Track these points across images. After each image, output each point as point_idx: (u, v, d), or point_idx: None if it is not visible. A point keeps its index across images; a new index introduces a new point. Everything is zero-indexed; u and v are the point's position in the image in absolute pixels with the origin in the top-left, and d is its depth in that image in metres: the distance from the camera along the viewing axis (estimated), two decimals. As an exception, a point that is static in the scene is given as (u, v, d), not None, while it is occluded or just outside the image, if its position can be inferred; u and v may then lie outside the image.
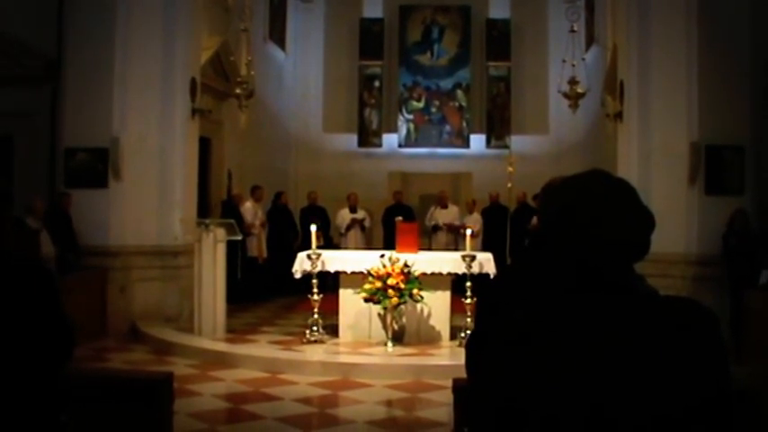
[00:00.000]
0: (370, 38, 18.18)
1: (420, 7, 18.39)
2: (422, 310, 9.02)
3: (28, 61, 10.28)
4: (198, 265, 9.20)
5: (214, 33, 12.72)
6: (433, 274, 8.89)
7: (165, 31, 10.05)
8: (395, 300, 8.38)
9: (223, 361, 8.27)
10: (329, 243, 13.58)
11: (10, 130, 10.46)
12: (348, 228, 14.07)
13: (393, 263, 8.54)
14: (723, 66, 9.11)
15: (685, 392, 1.47)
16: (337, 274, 9.25)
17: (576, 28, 13.67)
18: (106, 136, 9.86)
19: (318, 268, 8.99)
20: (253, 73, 12.38)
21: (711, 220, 8.94)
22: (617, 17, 10.81)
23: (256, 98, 13.10)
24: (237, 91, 12.31)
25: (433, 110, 18.29)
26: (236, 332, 9.60)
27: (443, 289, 9.09)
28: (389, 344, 8.59)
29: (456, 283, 9.35)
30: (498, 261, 9.45)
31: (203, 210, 11.80)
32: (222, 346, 8.76)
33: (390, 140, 18.21)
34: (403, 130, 18.27)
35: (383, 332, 8.78)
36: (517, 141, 17.20)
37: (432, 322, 9.08)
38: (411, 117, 18.31)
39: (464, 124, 18.22)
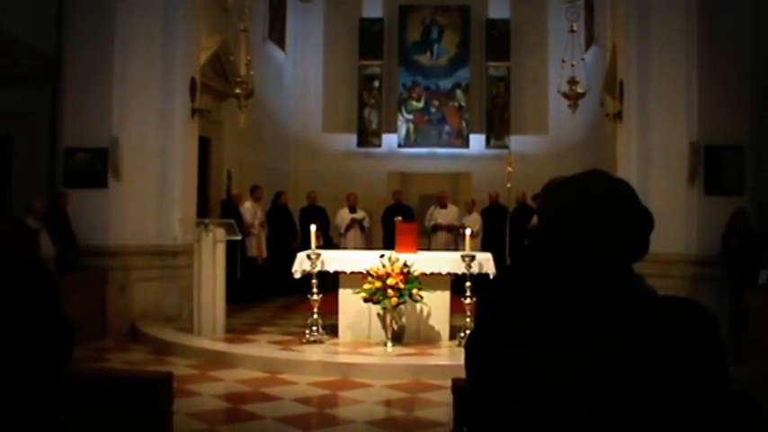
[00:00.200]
0: (369, 38, 18.19)
1: (420, 7, 18.40)
2: (421, 310, 9.02)
3: (28, 61, 10.28)
4: (197, 265, 9.20)
5: (213, 33, 12.71)
6: (432, 274, 8.89)
7: (165, 31, 10.05)
8: (394, 300, 8.38)
9: (222, 361, 8.27)
10: (329, 243, 13.58)
11: (10, 129, 10.46)
12: (347, 228, 14.07)
13: (392, 263, 8.54)
14: (722, 66, 9.11)
15: (685, 392, 1.47)
16: (337, 274, 9.25)
17: (575, 28, 13.68)
18: (106, 136, 9.85)
19: (318, 268, 8.99)
20: (252, 73, 12.39)
21: (711, 221, 8.94)
22: (616, 17, 10.81)
23: (256, 98, 13.10)
24: (237, 91, 12.31)
25: (433, 110, 18.29)
26: (235, 332, 9.60)
27: (443, 289, 9.09)
28: (389, 344, 8.59)
29: (455, 283, 9.35)
30: (498, 261, 9.45)
31: (203, 210, 11.80)
32: (222, 346, 8.76)
33: (390, 140, 18.21)
34: (402, 130, 18.27)
35: (383, 332, 8.78)
36: (516, 141, 17.21)
37: (431, 322, 9.08)
38: (410, 117, 18.31)
39: (463, 124, 18.23)
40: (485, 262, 9.00)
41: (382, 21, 18.33)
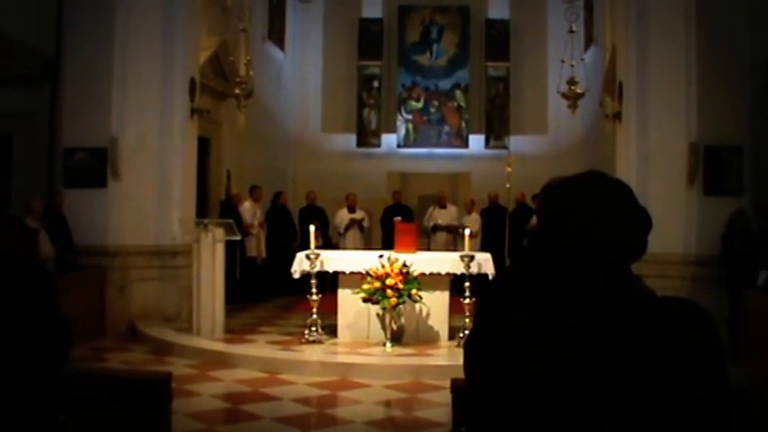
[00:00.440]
0: (369, 38, 18.19)
1: (419, 7, 18.40)
2: (420, 311, 9.02)
3: (27, 61, 10.28)
4: (196, 265, 9.20)
5: (213, 33, 12.71)
6: (431, 274, 8.89)
7: (164, 31, 10.05)
8: (393, 300, 8.38)
9: (222, 361, 8.26)
10: (328, 243, 13.59)
11: (9, 129, 10.46)
12: (347, 228, 14.07)
13: (392, 263, 8.54)
14: (722, 66, 9.12)
15: (683, 393, 1.47)
16: (336, 274, 9.25)
17: (574, 28, 13.69)
18: (105, 136, 9.85)
19: (317, 268, 8.99)
20: (252, 73, 12.39)
21: (710, 221, 8.94)
22: (616, 18, 10.81)
23: (255, 98, 13.10)
24: (236, 91, 12.31)
25: (432, 110, 18.29)
26: (234, 332, 9.60)
27: (442, 289, 9.09)
28: (388, 344, 8.59)
29: (455, 284, 9.35)
30: (497, 261, 9.44)
31: (202, 210, 11.79)
32: (221, 346, 8.76)
33: (389, 141, 18.21)
34: (402, 131, 18.27)
35: (382, 332, 8.78)
36: (516, 142, 17.21)
37: (430, 322, 9.08)
38: (410, 117, 18.32)
39: (463, 124, 18.23)
40: (484, 262, 9.00)
41: (382, 21, 18.34)
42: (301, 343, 8.91)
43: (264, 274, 12.88)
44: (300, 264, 9.10)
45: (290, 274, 9.22)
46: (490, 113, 18.12)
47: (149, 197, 10.06)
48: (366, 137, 18.17)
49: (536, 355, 1.50)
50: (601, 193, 1.59)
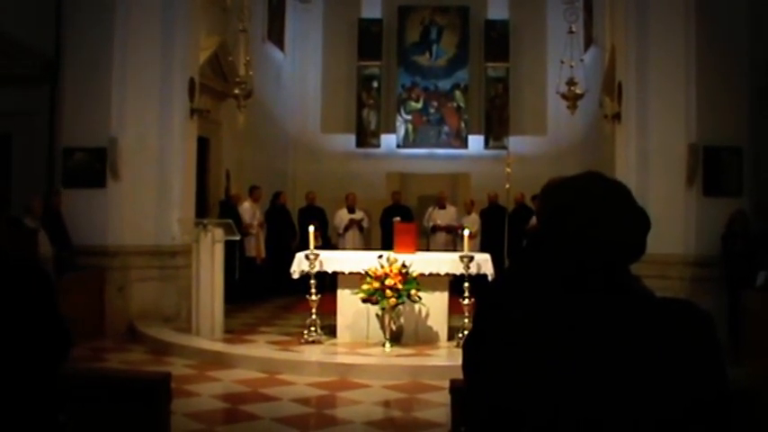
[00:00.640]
0: (368, 38, 18.20)
1: (419, 8, 18.41)
2: (420, 311, 9.02)
3: (26, 61, 10.28)
4: (196, 266, 9.20)
5: (212, 33, 12.71)
6: (431, 274, 8.89)
7: (164, 31, 10.05)
8: (393, 300, 8.38)
9: (221, 361, 8.26)
10: (327, 243, 13.58)
11: (8, 129, 10.45)
12: (346, 228, 14.07)
13: (391, 263, 8.54)
14: (721, 67, 9.12)
15: (682, 393, 1.47)
16: (335, 274, 9.25)
17: (574, 29, 13.69)
18: (104, 136, 9.85)
19: (316, 269, 8.99)
20: (251, 73, 12.38)
21: (709, 222, 8.94)
22: (615, 18, 10.81)
23: (255, 98, 13.10)
24: (236, 91, 12.31)
25: (432, 110, 18.30)
26: (233, 332, 9.60)
27: (441, 290, 9.10)
28: (387, 344, 8.59)
29: (454, 284, 9.35)
30: (496, 262, 9.45)
31: (201, 210, 11.79)
32: (220, 347, 8.75)
33: (389, 141, 18.22)
34: (401, 131, 18.28)
35: (381, 333, 8.77)
36: (515, 142, 17.22)
37: (429, 323, 9.08)
38: (409, 118, 18.32)
39: (462, 125, 18.24)
40: (483, 263, 9.00)
41: (381, 21, 18.34)
42: (300, 343, 8.90)
43: (264, 275, 12.88)
44: (300, 264, 9.10)
45: (290, 275, 9.22)
46: (490, 114, 18.12)
47: (149, 197, 10.06)
48: (365, 137, 18.17)
49: (535, 355, 1.50)
50: (600, 194, 1.59)
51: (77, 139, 9.90)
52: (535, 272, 1.87)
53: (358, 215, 14.23)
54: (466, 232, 9.23)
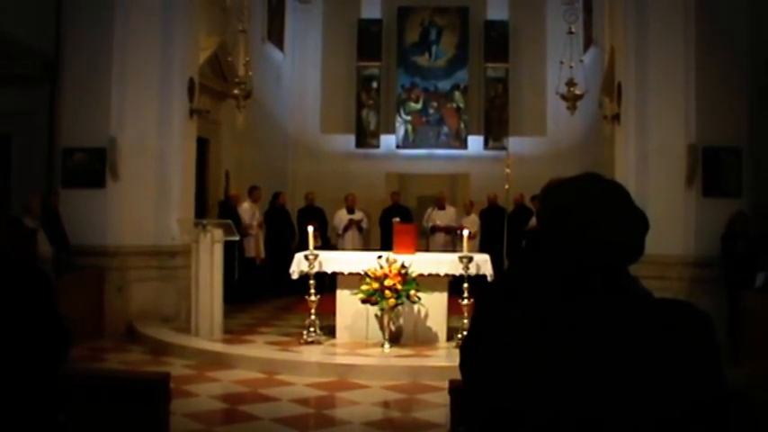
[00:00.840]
0: (368, 39, 18.20)
1: (418, 8, 18.41)
2: (419, 312, 9.02)
3: (27, 61, 10.28)
4: (195, 266, 9.19)
5: (212, 34, 12.72)
6: (430, 275, 8.89)
7: (164, 31, 10.05)
8: (392, 301, 8.38)
9: (220, 361, 8.26)
10: (327, 244, 13.58)
11: (8, 129, 10.46)
12: (345, 228, 14.07)
13: (390, 264, 8.54)
14: (721, 67, 9.12)
15: (681, 394, 1.47)
16: (334, 274, 9.25)
17: (573, 30, 13.71)
18: (104, 136, 9.84)
19: (316, 269, 8.99)
20: (251, 73, 12.38)
21: (709, 222, 8.95)
22: (615, 19, 10.82)
23: (254, 98, 13.10)
24: (235, 91, 12.31)
25: (431, 111, 18.31)
26: (233, 333, 9.59)
27: (440, 290, 9.09)
28: (386, 345, 8.59)
29: (453, 285, 9.35)
30: (495, 263, 9.45)
31: (201, 210, 11.79)
32: (219, 347, 8.75)
33: (388, 141, 18.22)
34: (401, 131, 18.28)
35: (380, 333, 8.77)
36: (515, 143, 17.22)
37: (429, 323, 9.08)
38: (409, 118, 18.33)
39: (462, 125, 18.24)
40: (482, 263, 9.00)
41: (381, 22, 18.35)
42: (300, 344, 8.90)
43: (263, 275, 12.87)
44: (299, 264, 9.10)
45: (289, 275, 9.22)
46: (489, 114, 18.13)
47: (148, 197, 10.05)
48: (365, 137, 18.18)
49: (534, 356, 1.50)
50: (599, 195, 1.59)
51: (77, 139, 9.90)
52: (534, 272, 1.87)
53: (357, 216, 14.23)
54: (465, 233, 9.22)
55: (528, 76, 18.02)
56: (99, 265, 9.87)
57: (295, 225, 13.94)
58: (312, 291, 8.87)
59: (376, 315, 8.83)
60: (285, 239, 13.40)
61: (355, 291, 8.60)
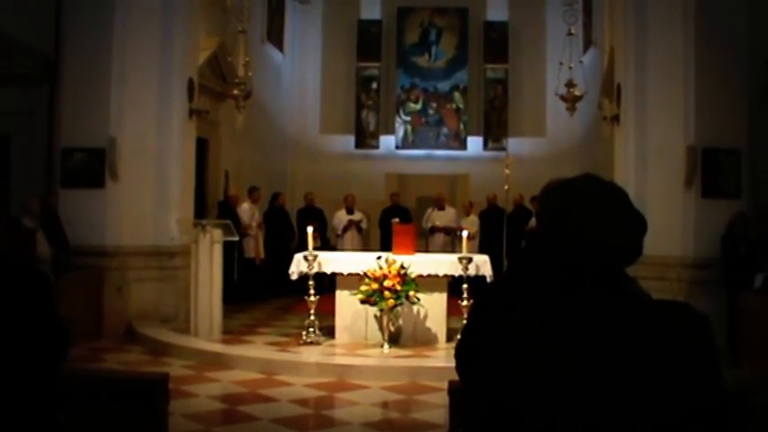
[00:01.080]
0: (367, 39, 18.21)
1: (418, 9, 18.42)
2: (418, 312, 9.02)
3: (26, 61, 10.28)
4: (194, 266, 9.19)
5: (212, 34, 12.71)
6: (429, 276, 8.89)
7: (163, 31, 10.04)
8: (391, 301, 8.38)
9: (219, 362, 8.26)
10: (326, 244, 13.58)
11: (8, 129, 10.46)
12: (345, 229, 14.07)
13: (390, 264, 8.54)
14: (720, 69, 9.13)
15: (679, 396, 1.47)
16: (334, 275, 9.24)
17: (573, 31, 13.72)
18: (103, 136, 9.84)
19: (315, 269, 8.99)
20: (250, 74, 12.39)
21: (708, 223, 8.95)
22: (614, 20, 10.83)
23: (254, 99, 13.10)
24: (235, 92, 12.31)
25: (431, 112, 18.31)
26: (232, 333, 9.59)
27: (440, 291, 9.09)
28: (386, 345, 8.59)
29: (452, 286, 9.35)
30: (495, 263, 9.45)
31: (200, 210, 11.79)
32: (218, 347, 8.75)
33: (388, 142, 18.23)
34: (400, 132, 18.28)
35: (379, 334, 8.77)
36: (514, 144, 17.22)
37: (428, 324, 9.08)
38: (408, 119, 18.33)
39: (461, 126, 18.24)
40: (482, 264, 9.00)
41: (380, 22, 18.35)
42: (299, 344, 8.90)
43: (262, 276, 12.87)
44: (298, 265, 9.10)
45: (288, 276, 9.22)
46: (489, 115, 18.13)
47: (147, 198, 10.05)
48: (364, 138, 18.18)
49: (533, 356, 1.50)
50: (598, 197, 1.60)
51: (76, 139, 9.90)
52: (533, 273, 1.87)
53: (357, 216, 14.23)
54: (465, 233, 9.23)
55: (527, 77, 18.03)
56: (98, 266, 9.87)
57: (294, 225, 13.94)
58: (311, 291, 8.86)
59: (375, 316, 8.83)
60: (284, 240, 13.39)
61: (354, 291, 8.60)
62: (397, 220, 12.29)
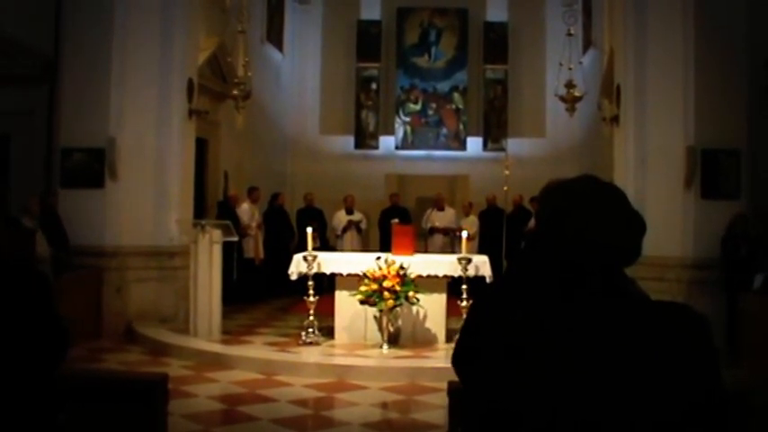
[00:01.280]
0: (367, 40, 18.20)
1: (418, 9, 18.42)
2: (417, 313, 9.02)
3: (26, 61, 10.27)
4: (194, 267, 9.19)
5: (211, 34, 12.71)
6: (428, 276, 8.89)
7: (163, 31, 10.04)
8: (390, 302, 8.38)
9: (218, 362, 8.25)
10: (325, 245, 13.58)
11: (7, 129, 10.45)
12: (344, 230, 14.07)
13: (389, 265, 8.54)
14: (720, 69, 9.13)
15: (678, 396, 1.47)
16: (333, 275, 9.25)
17: (573, 31, 13.72)
18: (103, 136, 9.84)
19: (314, 270, 8.98)
20: (250, 74, 12.38)
21: (707, 224, 8.95)
22: (614, 21, 10.83)
23: (253, 99, 13.10)
24: (234, 92, 12.31)
25: (430, 112, 18.31)
26: (231, 333, 9.59)
27: (439, 291, 9.09)
28: (385, 346, 8.59)
29: (452, 286, 9.35)
30: (494, 264, 9.45)
31: (199, 211, 11.78)
32: (217, 348, 8.74)
33: (387, 142, 18.22)
34: (400, 133, 18.28)
35: (379, 334, 8.78)
36: (514, 144, 17.22)
37: (427, 325, 9.08)
38: (408, 119, 18.33)
39: (461, 127, 18.24)
40: (481, 265, 9.00)
41: (380, 23, 18.35)
42: (298, 344, 8.90)
43: (262, 276, 12.87)
44: (298, 265, 9.10)
45: (288, 276, 9.22)
46: (488, 116, 18.13)
47: (147, 198, 10.04)
48: (364, 138, 18.18)
49: (533, 357, 1.50)
50: (597, 198, 1.60)
51: (76, 139, 9.89)
52: (533, 274, 1.87)
53: (356, 216, 14.23)
54: (464, 234, 9.23)
55: (527, 78, 18.02)
56: (97, 266, 9.86)
57: (294, 226, 13.94)
58: (311, 292, 8.86)
59: (375, 316, 8.83)
60: (284, 240, 13.39)
61: (354, 292, 8.60)
62: (396, 220, 12.29)
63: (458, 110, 18.27)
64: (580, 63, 13.94)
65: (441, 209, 14.43)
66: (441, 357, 8.50)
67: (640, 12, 9.43)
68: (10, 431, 2.35)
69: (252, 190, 13.15)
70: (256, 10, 15.05)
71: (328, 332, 9.23)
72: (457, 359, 1.92)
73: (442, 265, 9.08)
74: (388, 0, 18.38)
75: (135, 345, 9.26)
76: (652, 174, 9.30)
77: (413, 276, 8.56)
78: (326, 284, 10.20)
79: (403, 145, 18.25)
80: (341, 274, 9.07)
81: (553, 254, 1.61)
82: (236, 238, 9.87)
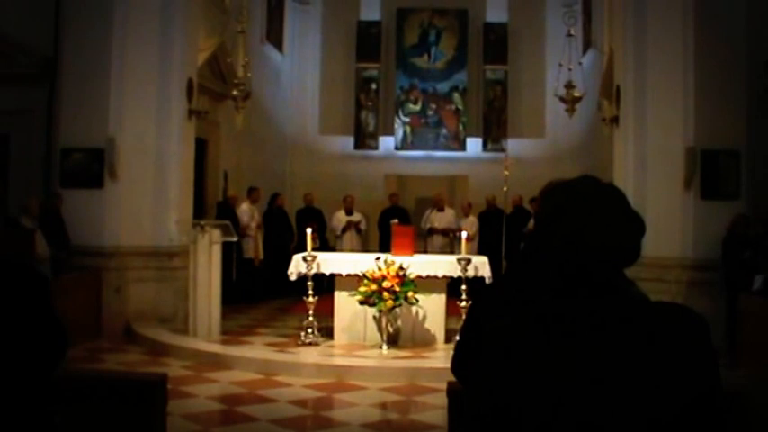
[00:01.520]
0: (367, 40, 18.21)
1: (417, 10, 18.42)
2: (417, 313, 9.02)
3: (25, 60, 10.28)
4: (193, 267, 9.19)
5: (211, 34, 12.71)
6: (428, 277, 8.89)
7: (163, 31, 10.04)
8: (390, 302, 8.38)
9: (218, 362, 8.25)
10: (325, 245, 13.58)
11: (6, 128, 10.45)
12: (344, 230, 14.06)
13: (388, 265, 8.54)
14: (719, 70, 9.13)
15: (677, 397, 1.47)
16: (333, 276, 9.25)
17: (572, 32, 13.73)
18: (102, 136, 9.84)
19: (314, 270, 8.98)
20: (249, 74, 12.38)
21: (707, 225, 8.95)
22: (614, 21, 10.83)
23: (253, 100, 13.10)
24: (234, 92, 12.31)
25: (430, 113, 18.31)
26: (230, 334, 9.59)
27: (439, 292, 9.09)
28: (384, 346, 8.59)
29: (451, 287, 9.35)
30: (494, 264, 9.45)
31: (199, 211, 11.78)
32: (217, 348, 8.74)
33: (387, 143, 18.22)
34: (399, 133, 18.28)
35: (378, 335, 8.77)
36: (513, 145, 17.23)
37: (427, 325, 9.08)
38: (407, 120, 18.33)
39: (460, 127, 18.24)
40: (480, 265, 9.00)
41: (380, 23, 18.36)
42: (297, 345, 8.90)
43: (261, 276, 12.87)
44: (297, 266, 9.10)
45: (287, 276, 9.22)
46: (488, 116, 18.13)
47: (146, 198, 10.04)
48: (364, 139, 18.18)
49: (532, 357, 1.50)
50: (596, 198, 1.60)
51: (75, 139, 9.89)
52: (532, 274, 1.87)
53: (356, 217, 14.23)
54: (464, 235, 9.22)
55: (527, 79, 18.03)
56: (97, 266, 9.86)
57: (293, 226, 13.94)
58: (310, 292, 8.86)
59: (374, 317, 8.83)
60: (283, 241, 13.39)
61: (353, 292, 8.60)
62: (396, 221, 12.28)
63: (457, 110, 18.28)
64: (580, 63, 13.95)
65: (440, 209, 14.42)
66: (440, 358, 8.50)
67: (640, 12, 9.43)
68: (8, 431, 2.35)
69: (251, 190, 13.16)
70: (256, 10, 15.06)
71: (328, 332, 9.23)
72: (456, 362, 1.92)
73: (442, 265, 9.08)
74: (387, 0, 18.39)
75: (134, 345, 9.26)
76: (652, 174, 9.30)
77: (412, 277, 8.56)
78: (326, 285, 10.20)
79: (402, 145, 18.25)
80: (340, 275, 9.08)
81: (552, 254, 1.60)
82: (235, 239, 9.88)
